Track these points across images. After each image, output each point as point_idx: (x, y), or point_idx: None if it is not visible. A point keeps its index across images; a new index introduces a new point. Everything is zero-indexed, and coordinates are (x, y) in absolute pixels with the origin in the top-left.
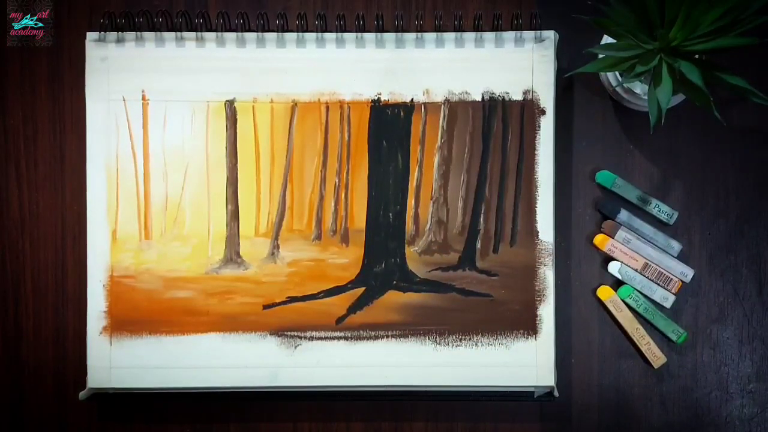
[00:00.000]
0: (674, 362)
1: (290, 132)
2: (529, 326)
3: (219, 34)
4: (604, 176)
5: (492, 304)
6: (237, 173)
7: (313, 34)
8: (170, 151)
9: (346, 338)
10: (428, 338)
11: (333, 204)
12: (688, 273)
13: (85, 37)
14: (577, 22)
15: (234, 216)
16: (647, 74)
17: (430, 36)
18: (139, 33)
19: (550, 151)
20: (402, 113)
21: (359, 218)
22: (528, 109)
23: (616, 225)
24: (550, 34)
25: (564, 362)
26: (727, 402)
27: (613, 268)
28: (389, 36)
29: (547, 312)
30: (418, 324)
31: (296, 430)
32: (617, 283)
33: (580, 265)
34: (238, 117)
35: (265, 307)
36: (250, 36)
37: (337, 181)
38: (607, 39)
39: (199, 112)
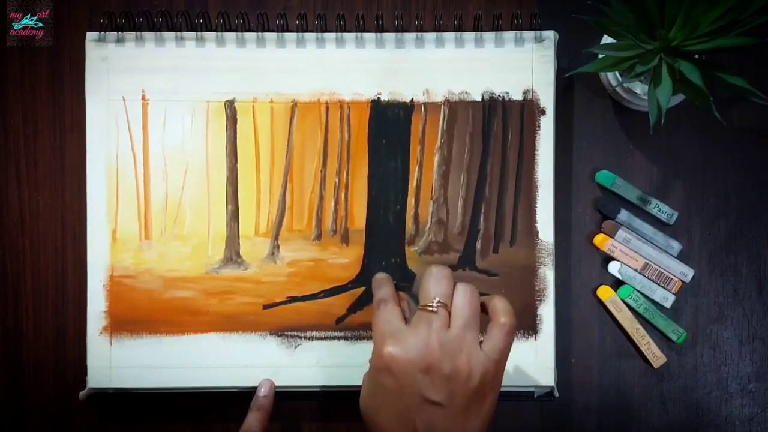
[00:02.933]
0: (674, 362)
1: (290, 132)
2: (529, 326)
3: (219, 34)
4: (604, 176)
5: None
6: (237, 173)
7: (313, 34)
8: (170, 151)
9: (346, 338)
10: None
11: (333, 204)
12: (688, 273)
13: (85, 37)
14: (577, 22)
15: (234, 216)
16: (647, 74)
17: (430, 36)
18: (139, 33)
19: (550, 151)
20: (402, 113)
21: (359, 218)
22: (528, 109)
23: (616, 225)
24: (550, 34)
25: (564, 362)
26: (727, 402)
27: (613, 268)
28: (389, 36)
29: (547, 312)
30: None
31: (296, 430)
32: (617, 283)
33: (580, 265)
34: (238, 117)
35: (265, 307)
36: (250, 36)
37: (337, 181)
38: (607, 39)
39: (199, 112)
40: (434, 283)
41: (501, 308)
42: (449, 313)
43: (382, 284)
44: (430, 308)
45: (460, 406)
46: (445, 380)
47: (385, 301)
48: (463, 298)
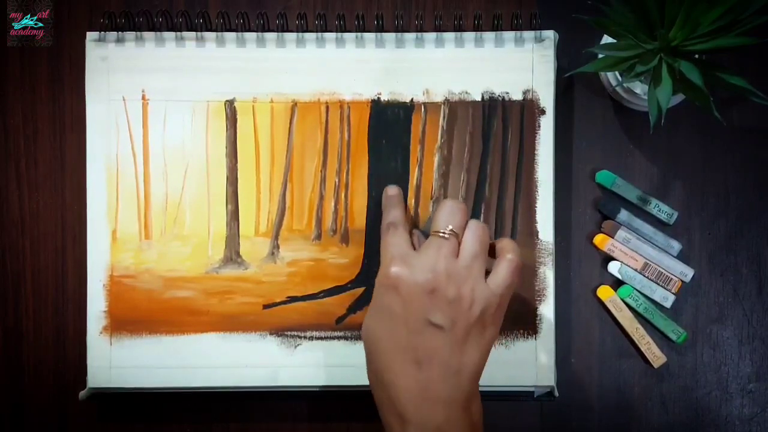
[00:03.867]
0: (674, 362)
1: (290, 132)
2: (529, 326)
3: (219, 34)
4: (604, 176)
5: None
6: (237, 173)
7: (313, 34)
8: (170, 151)
9: (346, 338)
10: None
11: (333, 204)
12: (688, 273)
13: (85, 37)
14: (577, 22)
15: (234, 216)
16: (647, 74)
17: (430, 36)
18: (139, 33)
19: (550, 151)
20: (402, 113)
21: (359, 218)
22: (528, 109)
23: (616, 225)
24: (550, 34)
25: (564, 362)
26: (727, 402)
27: (613, 268)
28: (389, 36)
29: (547, 312)
30: None
31: (296, 430)
32: (617, 283)
33: (580, 265)
34: (238, 117)
35: (265, 306)
36: (250, 36)
37: (337, 180)
38: (607, 39)
39: (199, 112)
40: (448, 213)
41: (508, 247)
42: (459, 244)
43: (393, 204)
44: (442, 234)
45: (460, 333)
46: (447, 304)
47: (395, 225)
48: (475, 232)
